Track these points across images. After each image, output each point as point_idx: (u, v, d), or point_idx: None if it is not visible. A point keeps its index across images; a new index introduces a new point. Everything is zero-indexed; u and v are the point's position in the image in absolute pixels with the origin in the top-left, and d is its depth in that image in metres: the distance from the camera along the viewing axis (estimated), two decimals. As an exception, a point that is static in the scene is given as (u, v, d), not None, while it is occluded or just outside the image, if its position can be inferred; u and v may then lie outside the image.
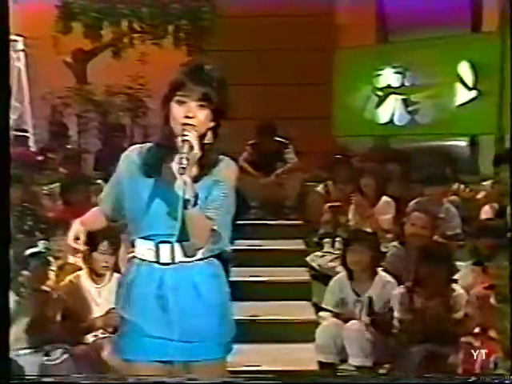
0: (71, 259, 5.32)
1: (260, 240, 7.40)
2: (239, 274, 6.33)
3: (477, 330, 4.44)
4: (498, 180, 7.23)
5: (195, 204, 2.82)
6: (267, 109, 9.26)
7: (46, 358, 4.40)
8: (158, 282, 2.97)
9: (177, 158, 2.81)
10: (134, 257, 3.09)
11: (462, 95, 8.83)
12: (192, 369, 3.04)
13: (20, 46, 8.98)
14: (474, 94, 8.74)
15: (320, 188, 7.94)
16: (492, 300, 4.52)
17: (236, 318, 3.14)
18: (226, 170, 3.01)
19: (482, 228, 5.80)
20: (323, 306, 5.40)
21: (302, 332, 5.69)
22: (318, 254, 7.02)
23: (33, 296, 4.57)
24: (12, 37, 8.24)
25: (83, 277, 4.91)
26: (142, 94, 9.31)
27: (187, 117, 2.91)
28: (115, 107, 9.26)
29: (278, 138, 8.32)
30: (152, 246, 2.97)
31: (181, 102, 2.92)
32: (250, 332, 5.16)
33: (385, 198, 7.03)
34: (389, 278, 5.18)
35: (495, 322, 4.40)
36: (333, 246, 7.26)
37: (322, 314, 5.87)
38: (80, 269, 5.08)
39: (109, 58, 9.68)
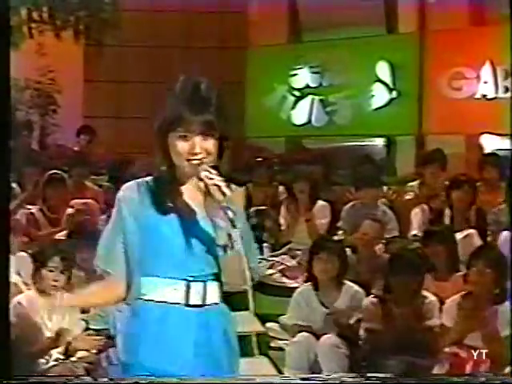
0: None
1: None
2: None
3: (459, 339, 4.30)
4: (425, 181, 7.20)
5: (232, 247, 2.55)
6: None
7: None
8: (189, 326, 2.65)
9: (215, 209, 2.54)
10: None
11: (381, 96, 8.80)
12: None
13: None
14: (393, 94, 8.73)
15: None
16: (470, 308, 4.40)
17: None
18: (236, 195, 2.65)
19: (429, 235, 5.69)
20: (285, 319, 5.14)
21: (251, 345, 5.42)
22: (253, 260, 6.76)
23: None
24: None
25: (31, 297, 4.41)
26: (52, 90, 8.74)
27: (193, 153, 2.59)
28: (23, 103, 8.64)
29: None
30: (181, 286, 2.63)
31: (183, 137, 2.60)
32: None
33: (320, 202, 6.85)
34: (356, 287, 4.98)
35: (478, 330, 4.27)
36: (261, 252, 7.03)
37: (269, 324, 5.63)
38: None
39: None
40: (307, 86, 9.34)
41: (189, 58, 9.83)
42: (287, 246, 6.81)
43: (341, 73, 9.00)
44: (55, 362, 4.33)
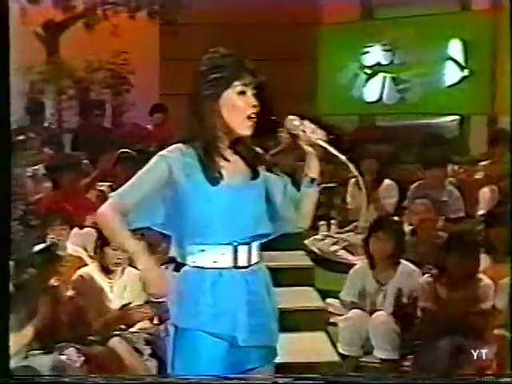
0: (71, 250, 5.02)
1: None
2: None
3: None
4: (496, 161, 7.10)
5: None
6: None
7: (62, 357, 4.08)
8: (242, 287, 2.80)
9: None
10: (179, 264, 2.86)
11: (453, 74, 8.67)
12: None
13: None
14: (465, 72, 8.60)
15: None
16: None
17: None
18: None
19: (492, 215, 5.61)
20: (341, 296, 5.20)
21: (311, 320, 5.51)
22: (318, 237, 6.83)
23: (42, 295, 4.21)
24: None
25: (94, 271, 4.60)
26: (125, 71, 8.94)
27: (254, 106, 2.77)
28: (96, 84, 8.86)
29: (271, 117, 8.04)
30: (229, 250, 2.76)
31: (242, 93, 2.78)
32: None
33: (387, 181, 6.85)
34: (413, 267, 5.00)
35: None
36: (328, 229, 7.08)
37: (329, 300, 5.70)
38: (84, 262, 4.81)
39: (81, 31, 9.22)
40: (378, 64, 9.28)
41: (262, 34, 9.88)
42: (354, 224, 6.85)
43: (412, 50, 8.89)
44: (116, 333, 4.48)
